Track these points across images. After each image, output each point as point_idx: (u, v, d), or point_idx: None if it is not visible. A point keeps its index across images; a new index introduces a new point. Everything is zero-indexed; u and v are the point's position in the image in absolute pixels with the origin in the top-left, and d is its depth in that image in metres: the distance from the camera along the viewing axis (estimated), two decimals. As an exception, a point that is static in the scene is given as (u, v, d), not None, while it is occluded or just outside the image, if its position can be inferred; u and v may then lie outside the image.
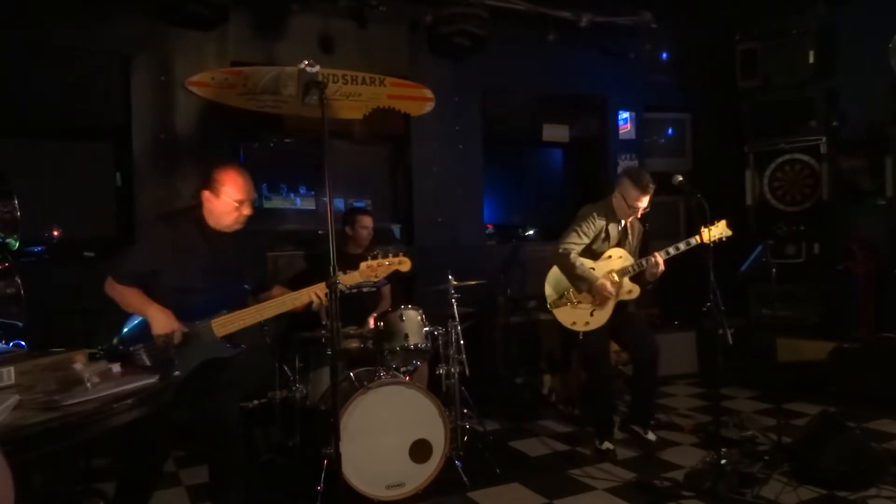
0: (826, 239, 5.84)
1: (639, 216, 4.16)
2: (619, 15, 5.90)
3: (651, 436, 4.30)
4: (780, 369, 5.34)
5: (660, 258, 3.99)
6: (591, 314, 4.10)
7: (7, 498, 1.28)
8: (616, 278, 4.07)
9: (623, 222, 4.17)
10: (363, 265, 2.94)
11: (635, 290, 4.11)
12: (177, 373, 2.75)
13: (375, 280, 3.03)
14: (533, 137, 6.37)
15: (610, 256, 4.13)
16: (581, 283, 4.05)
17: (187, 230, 2.90)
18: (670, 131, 6.99)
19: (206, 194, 2.89)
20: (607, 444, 4.21)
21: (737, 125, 6.33)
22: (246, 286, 3.00)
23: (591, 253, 4.15)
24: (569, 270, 4.08)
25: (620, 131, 6.50)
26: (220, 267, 2.93)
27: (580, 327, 4.14)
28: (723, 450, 3.60)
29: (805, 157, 5.91)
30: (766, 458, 3.89)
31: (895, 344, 5.07)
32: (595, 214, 4.13)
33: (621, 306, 4.18)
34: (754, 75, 6.10)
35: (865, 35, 5.70)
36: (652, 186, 3.98)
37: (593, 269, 4.09)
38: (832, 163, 5.85)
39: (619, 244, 4.18)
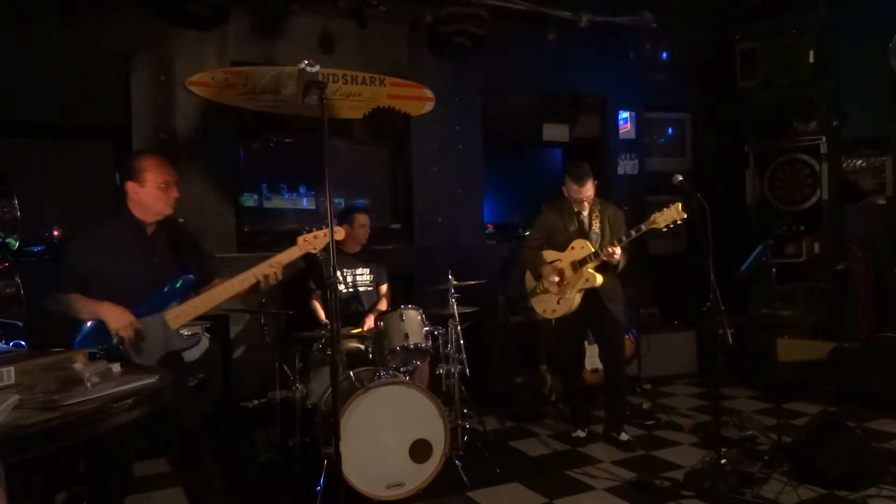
0: (826, 239, 5.83)
1: (584, 206, 4.31)
2: (619, 15, 5.90)
3: (623, 436, 4.37)
4: (780, 369, 5.34)
5: (614, 249, 4.09)
6: (558, 302, 4.32)
7: None
8: (563, 267, 4.26)
9: (583, 214, 4.33)
10: (299, 239, 3.00)
11: (593, 279, 4.19)
12: None
13: (314, 252, 3.04)
14: (533, 137, 6.38)
15: (573, 248, 4.29)
16: (534, 271, 4.41)
17: (120, 228, 2.88)
18: (670, 131, 6.98)
19: (131, 185, 2.86)
20: (578, 432, 4.46)
21: (737, 125, 6.33)
22: (191, 276, 2.95)
23: (559, 245, 4.37)
24: (524, 262, 4.52)
25: (620, 131, 6.50)
26: (158, 262, 2.91)
27: (549, 314, 4.38)
28: (723, 450, 3.60)
29: (805, 157, 5.91)
30: (766, 457, 3.89)
31: (895, 344, 5.06)
32: (544, 209, 4.53)
33: (599, 302, 4.29)
34: (754, 75, 6.10)
35: (865, 35, 5.69)
36: (587, 177, 4.21)
37: (559, 259, 4.32)
38: (832, 163, 5.85)
39: (584, 235, 4.32)
